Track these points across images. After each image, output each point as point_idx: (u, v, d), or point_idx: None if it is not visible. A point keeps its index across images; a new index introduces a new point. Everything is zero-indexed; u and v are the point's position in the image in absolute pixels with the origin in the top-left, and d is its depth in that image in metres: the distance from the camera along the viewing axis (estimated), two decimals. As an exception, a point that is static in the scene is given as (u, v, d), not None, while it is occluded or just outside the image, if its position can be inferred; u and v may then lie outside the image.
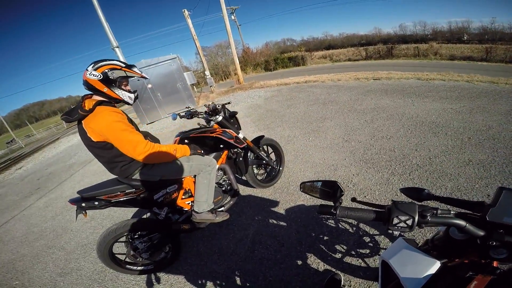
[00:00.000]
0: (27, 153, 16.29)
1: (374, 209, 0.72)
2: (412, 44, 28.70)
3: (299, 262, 1.91)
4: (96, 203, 1.73)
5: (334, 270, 1.76)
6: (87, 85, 1.63)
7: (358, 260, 1.80)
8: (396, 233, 1.84)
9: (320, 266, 1.83)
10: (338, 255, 1.88)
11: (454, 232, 0.68)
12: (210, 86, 13.60)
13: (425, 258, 0.70)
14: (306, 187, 0.90)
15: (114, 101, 1.75)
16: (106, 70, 1.62)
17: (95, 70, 1.61)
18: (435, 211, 0.63)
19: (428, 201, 0.76)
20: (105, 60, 1.69)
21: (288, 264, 1.91)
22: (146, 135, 1.89)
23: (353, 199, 0.88)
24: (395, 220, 0.63)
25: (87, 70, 1.62)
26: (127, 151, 1.61)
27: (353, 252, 1.86)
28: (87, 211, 1.75)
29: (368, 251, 1.86)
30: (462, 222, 0.60)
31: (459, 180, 2.37)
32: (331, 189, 0.81)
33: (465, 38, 29.67)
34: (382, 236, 1.94)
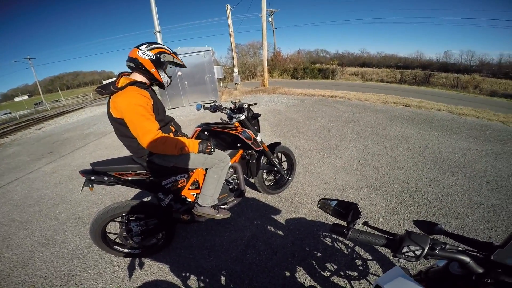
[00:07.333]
0: (50, 116, 17.16)
1: (385, 235, 0.74)
2: (453, 73, 27.29)
3: (287, 274, 1.90)
4: (106, 178, 1.75)
5: (318, 287, 1.75)
6: (136, 62, 1.68)
7: (344, 281, 1.78)
8: (402, 261, 1.80)
9: (307, 281, 1.82)
10: (327, 273, 1.86)
11: (453, 267, 0.70)
12: (236, 83, 13.76)
13: None
14: (321, 203, 0.94)
15: (156, 83, 1.82)
16: (159, 53, 1.71)
17: (149, 50, 1.69)
18: (444, 246, 0.66)
19: (438, 236, 0.78)
20: (156, 43, 1.77)
21: (277, 273, 1.91)
22: (170, 120, 1.94)
23: (365, 223, 0.90)
24: (405, 249, 0.66)
25: (139, 49, 1.68)
26: (136, 135, 1.64)
27: (341, 273, 1.84)
28: (94, 185, 1.76)
29: (356, 274, 1.83)
30: (466, 258, 0.63)
31: (466, 220, 2.32)
32: (344, 210, 0.84)
33: (514, 73, 27.67)
34: (374, 261, 1.91)
